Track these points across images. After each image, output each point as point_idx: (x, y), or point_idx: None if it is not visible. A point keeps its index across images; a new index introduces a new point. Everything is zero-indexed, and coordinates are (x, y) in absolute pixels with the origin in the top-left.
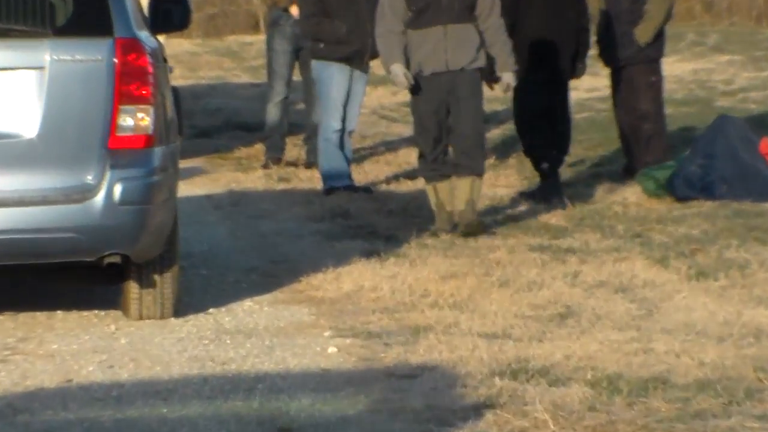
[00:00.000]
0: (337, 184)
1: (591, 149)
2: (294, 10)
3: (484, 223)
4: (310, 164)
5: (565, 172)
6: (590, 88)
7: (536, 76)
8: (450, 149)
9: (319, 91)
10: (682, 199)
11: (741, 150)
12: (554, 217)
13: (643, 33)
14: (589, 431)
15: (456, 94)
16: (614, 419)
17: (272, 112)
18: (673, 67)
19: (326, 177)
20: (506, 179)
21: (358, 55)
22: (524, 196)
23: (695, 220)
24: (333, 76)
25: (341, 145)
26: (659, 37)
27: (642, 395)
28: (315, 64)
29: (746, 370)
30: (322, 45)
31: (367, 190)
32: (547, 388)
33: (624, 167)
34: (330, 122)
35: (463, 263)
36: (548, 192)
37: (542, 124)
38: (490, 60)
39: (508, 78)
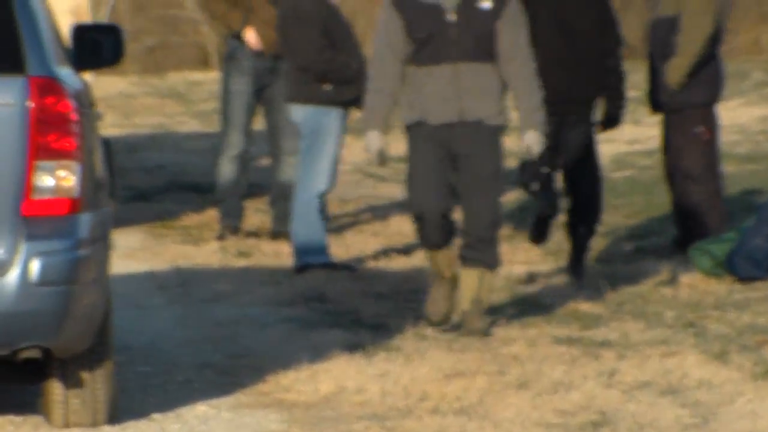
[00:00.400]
0: (312, 260)
1: (632, 216)
2: (251, 37)
3: (490, 333)
4: (276, 234)
5: (601, 245)
6: (631, 139)
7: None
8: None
9: (307, 145)
10: (744, 279)
11: None
12: (586, 303)
13: (672, 72)
14: None
15: (468, 156)
16: None
17: (226, 169)
18: (736, 114)
19: (300, 251)
20: (525, 254)
21: (359, 99)
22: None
23: (762, 305)
24: (331, 125)
25: (323, 212)
26: (713, 75)
27: None
28: (309, 112)
29: None
30: (329, 87)
31: (349, 267)
32: None
33: (674, 240)
34: (317, 183)
35: (471, 359)
36: (575, 272)
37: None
38: None
39: (531, 139)
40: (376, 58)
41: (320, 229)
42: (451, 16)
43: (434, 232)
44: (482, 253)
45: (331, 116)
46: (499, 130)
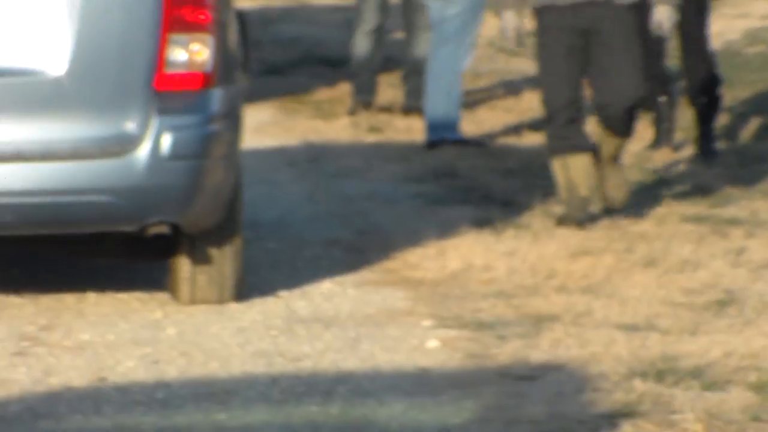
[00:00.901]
0: (444, 135)
1: (764, 92)
2: None
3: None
4: (409, 109)
5: (732, 122)
6: (765, 14)
7: None
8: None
9: (436, 21)
10: None
11: None
12: (716, 180)
13: None
14: None
15: (601, 37)
16: None
17: (361, 44)
18: None
19: (432, 126)
20: (647, 131)
21: None
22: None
23: None
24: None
25: (457, 89)
26: None
27: None
28: None
29: None
30: None
31: (480, 143)
32: (700, 392)
33: None
34: (450, 59)
35: (599, 237)
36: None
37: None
38: None
39: (662, 13)
40: None
41: (454, 105)
42: None
43: (568, 130)
44: (620, 124)
45: None
46: (631, 8)
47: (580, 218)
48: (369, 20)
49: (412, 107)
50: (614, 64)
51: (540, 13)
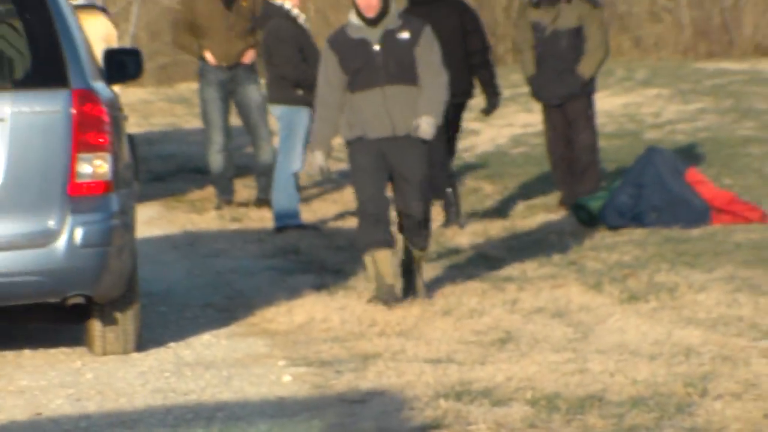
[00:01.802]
0: (288, 222)
1: (528, 182)
2: (209, 57)
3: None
4: (260, 202)
5: (503, 205)
6: (525, 123)
7: None
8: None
9: (284, 135)
10: (614, 227)
11: (669, 180)
12: (494, 249)
13: (587, 68)
14: None
15: (401, 162)
16: None
17: (214, 161)
18: (604, 102)
19: (279, 216)
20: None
21: None
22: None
23: (627, 246)
24: (302, 121)
25: (296, 186)
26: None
27: (579, 413)
28: (285, 110)
29: (677, 386)
30: (300, 92)
31: (315, 227)
32: (489, 408)
33: (559, 199)
34: (292, 164)
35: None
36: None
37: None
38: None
39: (424, 122)
40: (320, 92)
41: (295, 198)
42: (377, 47)
43: (376, 229)
44: (419, 239)
45: (302, 113)
46: (425, 140)
47: (387, 301)
48: (215, 142)
49: (262, 200)
50: (411, 188)
51: (352, 144)
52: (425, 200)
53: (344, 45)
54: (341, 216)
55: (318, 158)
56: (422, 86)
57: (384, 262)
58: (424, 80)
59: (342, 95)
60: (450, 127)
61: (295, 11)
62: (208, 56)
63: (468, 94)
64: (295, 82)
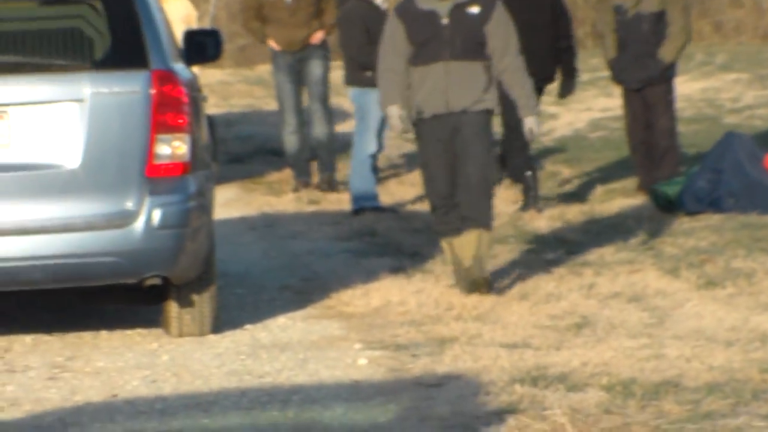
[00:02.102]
0: (366, 204)
1: (606, 166)
2: (273, 44)
3: (490, 281)
4: (323, 182)
5: (581, 189)
6: (604, 108)
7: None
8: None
9: (358, 117)
10: (691, 212)
11: (747, 165)
12: (571, 233)
13: (669, 52)
14: None
15: (460, 139)
16: (629, 421)
17: (289, 142)
18: (683, 87)
19: (356, 198)
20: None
21: None
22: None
23: (704, 232)
24: (374, 103)
25: (373, 168)
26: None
27: (654, 398)
28: (357, 92)
29: (753, 372)
30: (369, 73)
31: (393, 210)
32: (565, 393)
33: (638, 183)
34: (367, 146)
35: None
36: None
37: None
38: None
39: (531, 123)
40: (385, 60)
41: (372, 181)
42: (445, 20)
43: (449, 216)
44: (478, 214)
45: (373, 95)
46: (483, 114)
47: (466, 288)
48: (289, 124)
49: (324, 180)
50: (472, 159)
51: (416, 125)
52: (485, 173)
53: (412, 15)
54: (419, 199)
55: (395, 113)
56: (504, 71)
57: (461, 247)
58: (504, 64)
59: (406, 66)
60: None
61: None
62: (272, 43)
63: (551, 79)
64: (363, 64)
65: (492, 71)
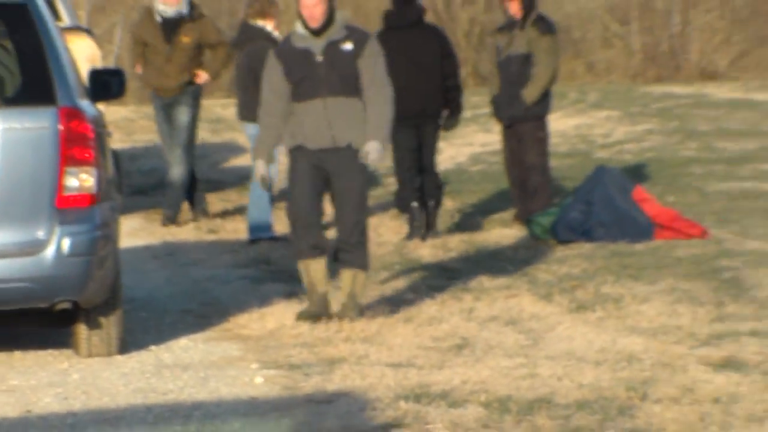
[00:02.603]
0: (261, 235)
1: (485, 198)
2: (147, 85)
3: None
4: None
5: (462, 219)
6: (484, 143)
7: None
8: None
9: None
10: (564, 241)
11: (617, 197)
12: (453, 260)
13: (529, 94)
14: None
15: (339, 174)
16: None
17: (175, 175)
18: (558, 123)
19: (252, 228)
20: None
21: None
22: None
23: (576, 260)
24: None
25: (271, 199)
26: (546, 96)
27: (529, 414)
28: (252, 127)
29: (620, 390)
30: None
31: (286, 239)
32: (446, 409)
33: (514, 214)
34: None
35: (371, 302)
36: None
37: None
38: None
39: (371, 147)
40: (264, 100)
41: (268, 212)
42: (319, 58)
43: (309, 236)
44: (354, 255)
45: None
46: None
47: (318, 314)
48: (168, 160)
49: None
50: (349, 200)
51: (292, 152)
52: (361, 215)
53: (289, 54)
54: None
55: (260, 167)
56: (367, 101)
57: (317, 270)
58: (368, 94)
59: (286, 104)
60: (427, 140)
61: (276, 33)
62: (148, 86)
63: (437, 116)
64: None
65: None
